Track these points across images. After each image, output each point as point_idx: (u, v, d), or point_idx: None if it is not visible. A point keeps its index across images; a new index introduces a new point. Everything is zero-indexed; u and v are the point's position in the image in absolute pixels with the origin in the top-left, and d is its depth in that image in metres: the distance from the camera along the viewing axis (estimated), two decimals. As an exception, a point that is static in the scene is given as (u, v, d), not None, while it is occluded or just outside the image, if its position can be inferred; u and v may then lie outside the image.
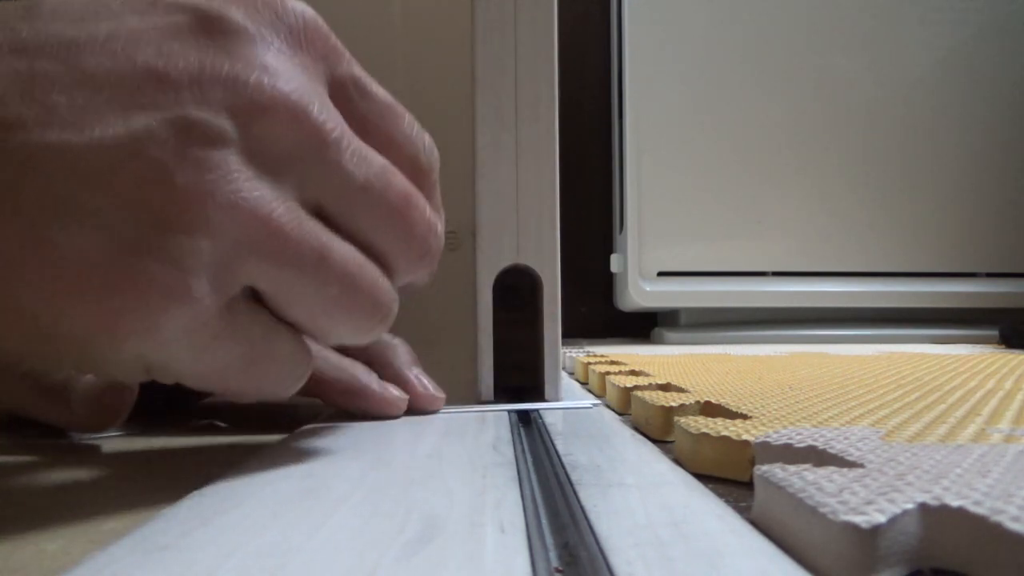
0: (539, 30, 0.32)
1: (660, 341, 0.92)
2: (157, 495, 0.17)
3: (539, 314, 0.32)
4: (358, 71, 0.20)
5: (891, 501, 0.13)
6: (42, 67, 0.16)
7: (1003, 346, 0.77)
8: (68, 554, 0.13)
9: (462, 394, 0.32)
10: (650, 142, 0.91)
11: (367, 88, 0.20)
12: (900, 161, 0.95)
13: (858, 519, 0.12)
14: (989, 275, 0.95)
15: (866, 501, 0.13)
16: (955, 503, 0.12)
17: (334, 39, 0.20)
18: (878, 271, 0.94)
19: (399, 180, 0.20)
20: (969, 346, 0.79)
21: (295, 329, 0.19)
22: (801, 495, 0.13)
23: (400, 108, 0.21)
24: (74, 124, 0.15)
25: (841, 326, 0.92)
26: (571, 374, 0.50)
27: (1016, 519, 0.11)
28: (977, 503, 0.12)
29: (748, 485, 0.17)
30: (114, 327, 0.16)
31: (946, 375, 0.40)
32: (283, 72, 0.18)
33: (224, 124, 0.17)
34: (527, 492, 0.17)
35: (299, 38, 0.19)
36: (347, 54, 0.20)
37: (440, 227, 0.21)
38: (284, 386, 0.20)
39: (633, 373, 0.40)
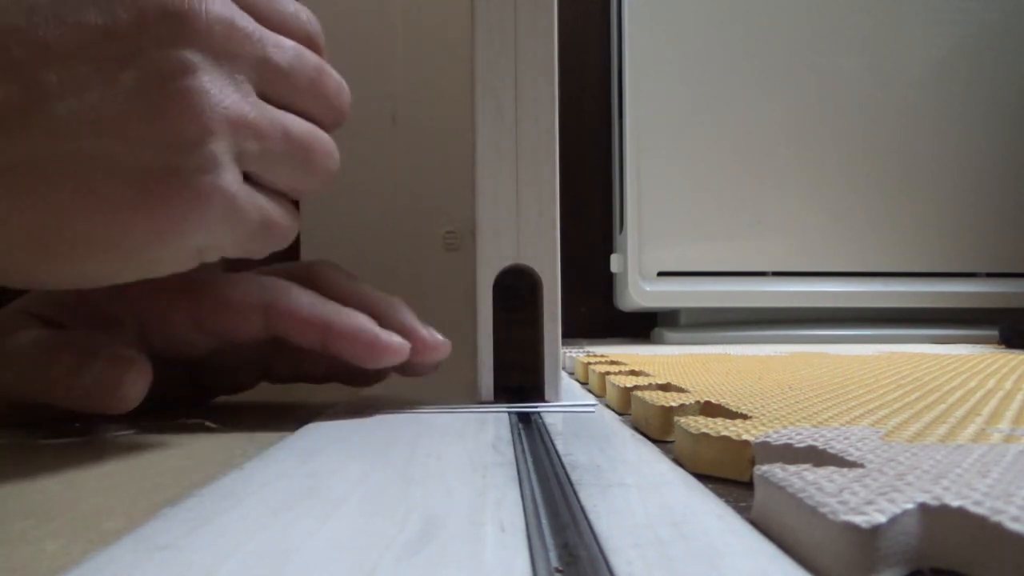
0: (539, 30, 0.32)
1: (660, 341, 0.92)
2: (157, 495, 0.17)
3: (539, 314, 0.32)
4: None
5: (891, 501, 0.13)
6: (18, 54, 0.19)
7: (1003, 346, 0.77)
8: (68, 554, 0.13)
9: (462, 394, 0.32)
10: (650, 142, 0.91)
11: None
12: (900, 161, 0.95)
13: (858, 519, 0.12)
14: (989, 275, 0.95)
15: (866, 501, 0.13)
16: (955, 503, 0.12)
17: None
18: (878, 271, 0.94)
19: (309, 55, 0.25)
20: (969, 346, 0.79)
21: (281, 194, 0.25)
22: (801, 495, 0.13)
23: None
24: (71, 93, 0.19)
25: (841, 326, 0.92)
26: (571, 374, 0.50)
27: (1016, 519, 0.11)
28: (977, 503, 0.12)
29: (748, 485, 0.17)
30: (178, 228, 0.21)
31: (946, 375, 0.40)
32: None
33: (185, 54, 0.21)
34: (527, 492, 0.17)
35: None
36: None
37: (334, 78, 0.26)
38: (285, 238, 0.26)
39: (633, 373, 0.40)
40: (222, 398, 0.35)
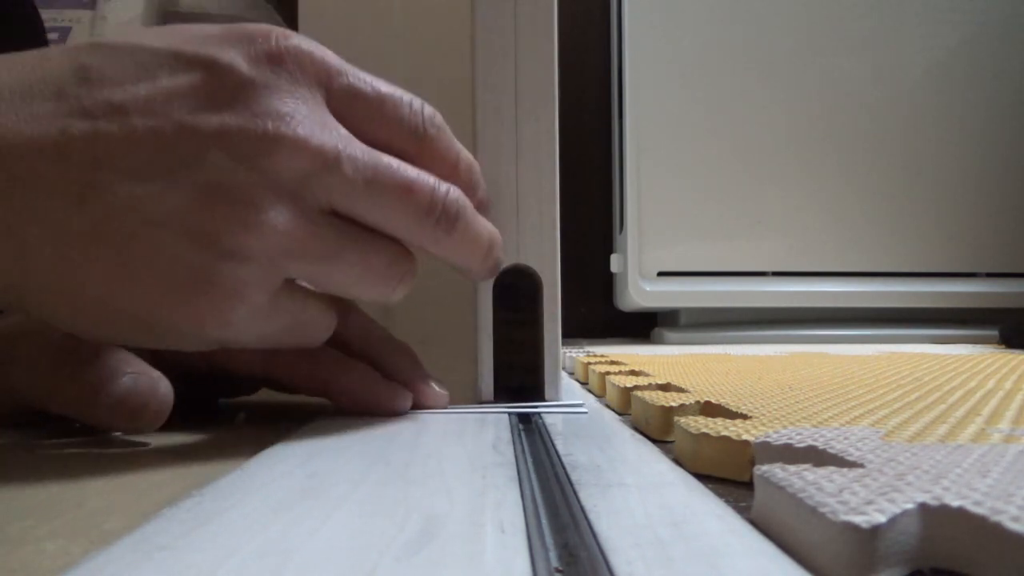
0: (539, 30, 0.32)
1: (660, 341, 0.92)
2: (157, 495, 0.17)
3: (539, 314, 0.32)
4: (350, 79, 0.24)
5: (891, 501, 0.13)
6: (104, 128, 0.20)
7: (1003, 346, 0.77)
8: (68, 554, 0.13)
9: (462, 394, 0.32)
10: (650, 142, 0.91)
11: (359, 92, 0.24)
12: (900, 161, 0.95)
13: (858, 519, 0.12)
14: (989, 275, 0.95)
15: (866, 501, 0.13)
16: (955, 503, 0.12)
17: (324, 59, 0.24)
18: (878, 271, 0.94)
19: (398, 172, 0.24)
20: (969, 346, 0.79)
21: (326, 297, 0.26)
22: (801, 495, 0.13)
23: (390, 95, 0.25)
24: (135, 174, 0.20)
25: (841, 326, 0.92)
26: (571, 374, 0.50)
27: (1016, 519, 0.11)
28: (977, 503, 0.12)
29: (748, 485, 0.17)
30: (201, 321, 0.22)
31: (946, 375, 0.40)
32: (286, 114, 0.22)
33: (242, 174, 0.21)
34: (527, 492, 0.17)
35: (294, 73, 0.23)
36: (337, 66, 0.24)
37: (454, 194, 0.25)
38: (315, 340, 0.26)
39: (633, 373, 0.40)
40: (227, 399, 0.35)
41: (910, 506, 0.12)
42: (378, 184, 0.23)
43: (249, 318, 0.22)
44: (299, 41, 0.23)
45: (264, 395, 0.35)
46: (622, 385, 0.33)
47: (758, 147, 0.93)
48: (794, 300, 0.92)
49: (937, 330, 0.91)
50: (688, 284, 0.91)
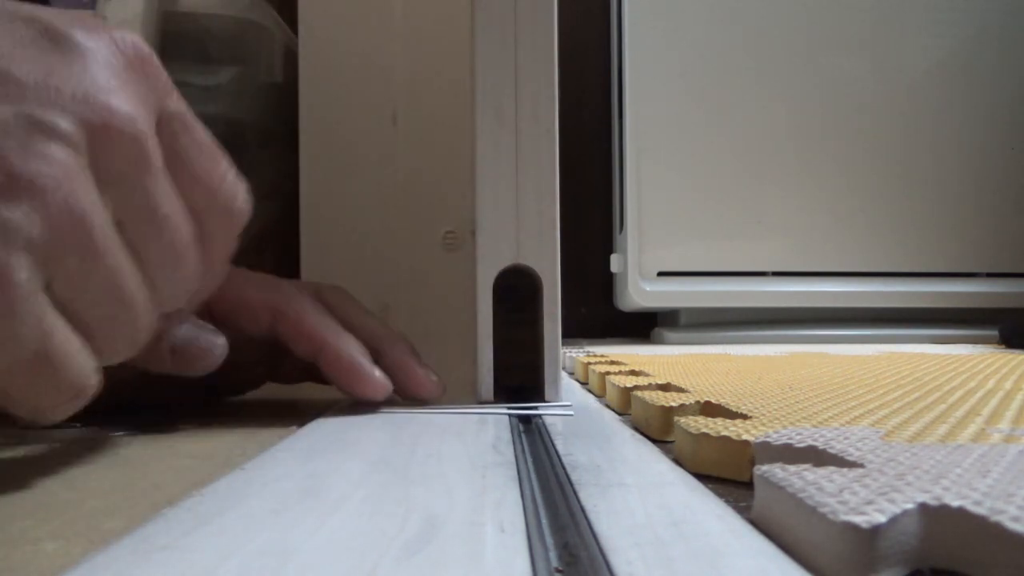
0: (539, 30, 0.32)
1: (660, 341, 0.92)
2: (157, 495, 0.17)
3: (539, 314, 0.32)
4: (185, 108, 0.22)
5: (891, 501, 0.13)
6: None
7: (1003, 346, 0.77)
8: (68, 554, 0.13)
9: (462, 394, 0.32)
10: (650, 142, 0.91)
11: (192, 126, 0.21)
12: (900, 161, 0.95)
13: (858, 519, 0.12)
14: (989, 275, 0.95)
15: (866, 501, 0.13)
16: (955, 503, 0.12)
17: (165, 74, 0.21)
18: (878, 271, 0.94)
19: (186, 230, 0.21)
20: (969, 346, 0.79)
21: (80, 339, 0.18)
22: (801, 495, 0.13)
23: (219, 152, 0.22)
24: None
25: (841, 326, 0.92)
26: (571, 374, 0.50)
27: (1016, 519, 0.11)
28: (977, 503, 0.12)
29: (748, 485, 0.17)
30: None
31: (946, 375, 0.40)
32: (125, 97, 0.19)
33: (70, 127, 0.17)
34: (527, 492, 0.17)
35: (135, 67, 0.20)
36: (176, 91, 0.21)
37: (202, 285, 0.22)
38: (76, 399, 0.18)
39: (633, 373, 0.40)
40: (229, 398, 0.35)
41: (910, 506, 0.12)
42: (169, 228, 0.20)
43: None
44: (142, 42, 0.21)
45: (265, 394, 0.35)
46: (622, 385, 0.33)
47: (758, 147, 0.93)
48: (794, 300, 0.92)
49: (937, 330, 0.91)
50: (688, 284, 0.91)
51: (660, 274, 0.92)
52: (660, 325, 0.99)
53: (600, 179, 1.03)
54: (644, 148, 0.91)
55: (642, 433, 0.26)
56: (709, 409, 0.27)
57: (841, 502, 0.13)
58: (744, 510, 0.16)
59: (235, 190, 0.22)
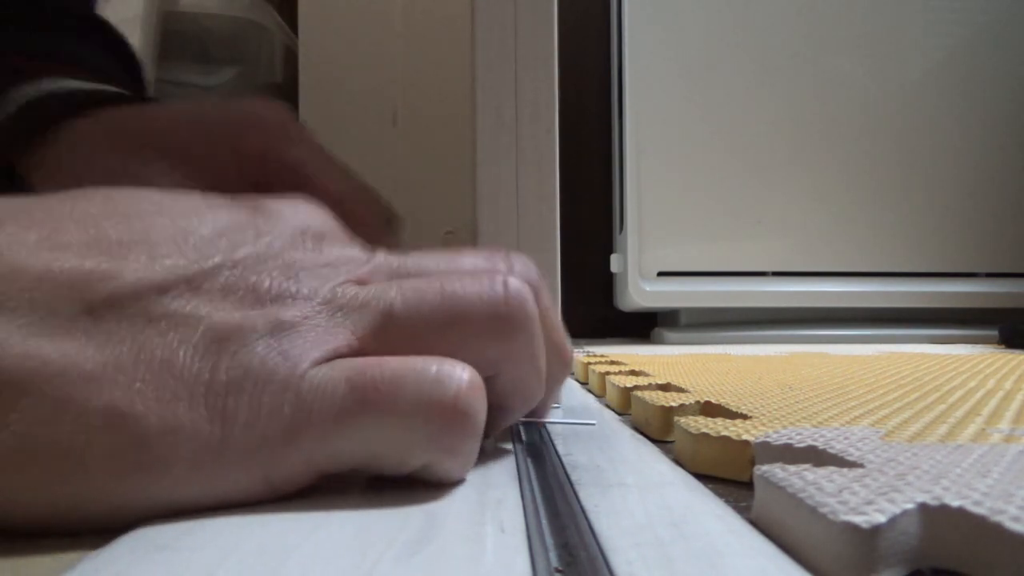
0: (539, 30, 0.32)
1: (660, 341, 0.92)
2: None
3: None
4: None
5: (891, 501, 0.13)
6: None
7: (1003, 346, 0.77)
8: (68, 554, 0.13)
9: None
10: (650, 142, 0.91)
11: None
12: (900, 161, 0.95)
13: (858, 519, 0.12)
14: (989, 275, 0.95)
15: (866, 501, 0.13)
16: (955, 503, 0.12)
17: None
18: (878, 271, 0.94)
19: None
20: (969, 346, 0.79)
21: None
22: (801, 495, 0.13)
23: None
24: None
25: (841, 326, 0.92)
26: (571, 374, 0.50)
27: (1016, 519, 0.11)
28: (977, 503, 0.12)
29: (748, 485, 0.17)
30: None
31: (946, 375, 0.40)
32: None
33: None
34: (527, 492, 0.17)
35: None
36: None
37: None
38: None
39: (633, 373, 0.40)
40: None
41: (910, 506, 0.12)
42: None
43: None
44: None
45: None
46: (622, 385, 0.33)
47: (758, 147, 0.93)
48: (794, 300, 0.92)
49: (937, 330, 0.91)
50: (688, 284, 0.91)
51: (660, 274, 0.92)
52: (660, 325, 0.99)
53: (600, 179, 1.03)
54: (644, 148, 0.91)
55: (642, 433, 0.26)
56: (709, 409, 0.27)
57: (841, 502, 0.13)
58: (744, 510, 0.16)
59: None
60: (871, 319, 0.95)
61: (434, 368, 0.16)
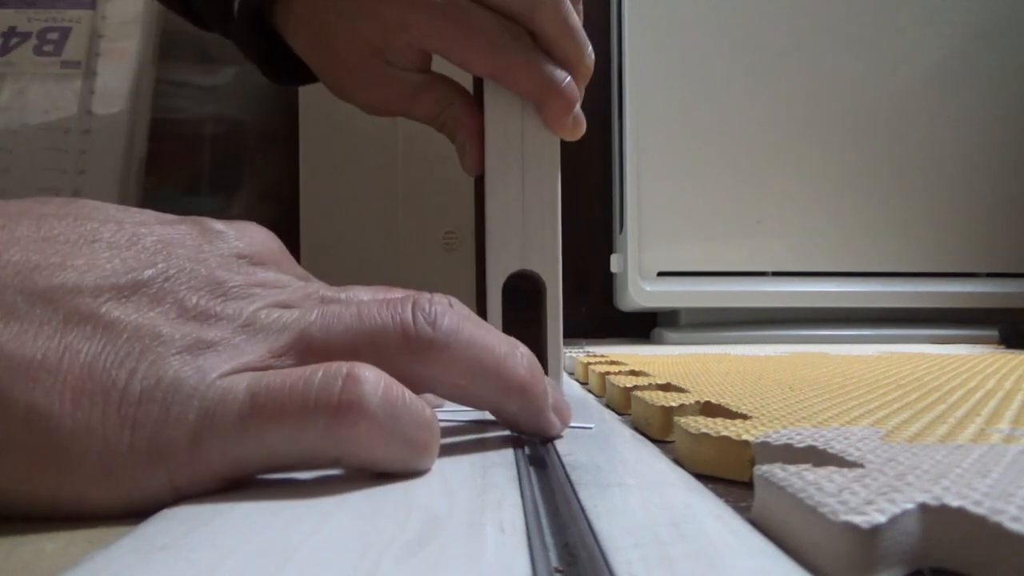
0: None
1: (660, 341, 0.92)
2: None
3: (543, 314, 0.35)
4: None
5: (891, 501, 0.13)
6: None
7: (1003, 346, 0.77)
8: (67, 554, 0.13)
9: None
10: (650, 142, 0.91)
11: None
12: (900, 161, 0.95)
13: (858, 519, 0.12)
14: (989, 275, 0.95)
15: (866, 501, 0.13)
16: (955, 503, 0.12)
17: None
18: (878, 271, 0.94)
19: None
20: (969, 346, 0.79)
21: None
22: (801, 495, 0.13)
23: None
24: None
25: (841, 326, 0.92)
26: (571, 374, 0.50)
27: (1016, 519, 0.11)
28: (977, 503, 0.12)
29: (748, 485, 0.17)
30: None
31: (946, 375, 0.40)
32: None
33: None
34: (527, 492, 0.17)
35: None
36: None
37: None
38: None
39: (633, 373, 0.40)
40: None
41: (910, 506, 0.12)
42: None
43: None
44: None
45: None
46: (622, 385, 0.33)
47: (758, 147, 0.93)
48: (794, 300, 0.92)
49: (937, 330, 0.91)
50: (688, 284, 0.91)
51: (660, 274, 0.92)
52: (660, 325, 0.99)
53: (600, 179, 1.03)
54: (644, 148, 0.91)
55: (642, 433, 0.26)
56: (709, 409, 0.27)
57: (841, 502, 0.13)
58: (744, 510, 0.16)
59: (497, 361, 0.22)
60: (871, 319, 0.95)
61: (324, 370, 0.17)
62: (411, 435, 0.18)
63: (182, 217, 0.21)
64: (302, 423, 0.16)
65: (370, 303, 0.20)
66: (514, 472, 0.19)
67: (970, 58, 0.95)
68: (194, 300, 0.18)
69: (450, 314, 0.20)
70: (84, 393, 0.15)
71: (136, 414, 0.16)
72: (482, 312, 0.33)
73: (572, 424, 0.27)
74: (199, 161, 0.63)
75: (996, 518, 0.12)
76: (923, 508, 0.12)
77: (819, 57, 0.93)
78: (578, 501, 0.16)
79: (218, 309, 0.18)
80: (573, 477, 0.18)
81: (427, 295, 0.21)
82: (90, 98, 0.61)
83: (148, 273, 0.18)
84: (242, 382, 0.17)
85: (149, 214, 0.20)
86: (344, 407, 0.16)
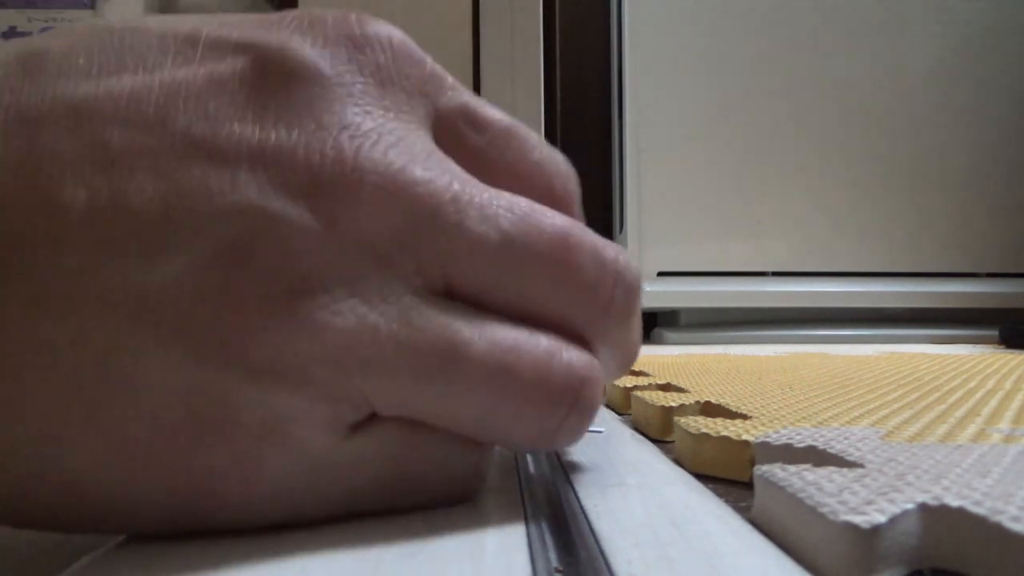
0: (530, 84, 0.34)
1: (660, 341, 0.92)
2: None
3: None
4: (466, 97, 0.16)
5: (891, 501, 0.13)
6: (47, 143, 0.12)
7: (1003, 346, 0.77)
8: (68, 554, 0.13)
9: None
10: (650, 141, 0.91)
11: (479, 115, 0.16)
12: (900, 161, 0.95)
13: (858, 519, 0.12)
14: (989, 275, 0.95)
15: (866, 501, 0.13)
16: (955, 503, 0.12)
17: (430, 62, 0.16)
18: (878, 271, 0.94)
19: (548, 220, 0.15)
20: (969, 346, 0.79)
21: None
22: (801, 495, 0.13)
23: (523, 130, 0.17)
24: (98, 241, 0.12)
25: (841, 326, 0.92)
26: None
27: (1016, 519, 0.11)
28: (977, 503, 0.12)
29: (748, 485, 0.17)
30: (212, 489, 0.13)
31: (946, 375, 0.40)
32: (370, 131, 0.14)
33: (301, 217, 0.13)
34: (527, 492, 0.17)
35: (388, 72, 0.15)
36: (448, 77, 0.16)
37: (623, 258, 0.16)
38: (451, 494, 0.15)
39: (633, 373, 0.40)
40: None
41: (910, 506, 0.12)
42: (520, 242, 0.14)
43: (298, 473, 0.13)
44: (391, 30, 0.15)
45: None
46: (622, 385, 0.33)
47: (758, 147, 0.93)
48: (794, 300, 0.92)
49: (937, 330, 0.91)
50: (688, 284, 0.91)
51: (660, 274, 0.92)
52: (660, 325, 0.99)
53: (600, 179, 1.03)
54: (644, 148, 0.91)
55: (642, 433, 0.26)
56: (709, 409, 0.27)
57: (841, 502, 0.13)
58: (744, 510, 0.16)
59: (551, 167, 0.17)
60: (871, 319, 0.95)
61: (567, 365, 0.14)
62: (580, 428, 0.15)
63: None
64: (544, 408, 0.14)
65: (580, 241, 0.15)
66: (514, 472, 0.19)
67: (970, 58, 0.95)
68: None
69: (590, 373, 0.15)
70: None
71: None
72: None
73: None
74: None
75: (996, 518, 0.12)
76: (923, 508, 0.12)
77: (820, 58, 0.93)
78: (578, 501, 0.16)
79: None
80: (573, 477, 0.18)
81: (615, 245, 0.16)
82: (90, 98, 0.61)
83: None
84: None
85: None
86: (577, 409, 0.14)
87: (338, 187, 0.13)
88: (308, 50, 0.14)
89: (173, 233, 0.12)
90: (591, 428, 0.27)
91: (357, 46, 0.14)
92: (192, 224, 0.12)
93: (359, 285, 0.13)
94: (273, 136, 0.13)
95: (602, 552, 0.13)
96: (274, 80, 0.13)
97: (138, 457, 0.12)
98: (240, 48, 0.14)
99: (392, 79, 0.15)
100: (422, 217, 0.13)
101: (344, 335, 0.13)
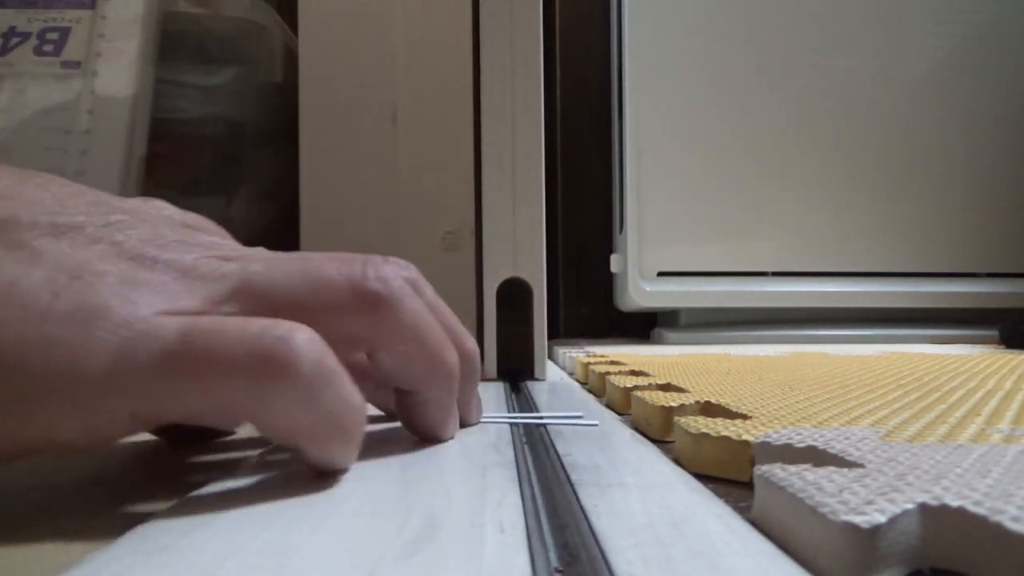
0: (529, 104, 0.41)
1: (660, 341, 0.92)
2: (157, 495, 0.17)
3: (531, 314, 0.42)
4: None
5: (891, 501, 0.13)
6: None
7: (1003, 346, 0.77)
8: (68, 554, 0.13)
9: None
10: (650, 142, 0.91)
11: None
12: (900, 161, 0.95)
13: (858, 519, 0.12)
14: (989, 275, 0.95)
15: (866, 501, 0.13)
16: (955, 503, 0.12)
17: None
18: (878, 271, 0.94)
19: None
20: (969, 346, 0.79)
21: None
22: (801, 495, 0.13)
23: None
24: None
25: (841, 326, 0.92)
26: (571, 374, 0.50)
27: (1016, 519, 0.11)
28: (977, 503, 0.12)
29: (748, 485, 0.17)
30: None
31: (946, 375, 0.40)
32: None
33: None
34: (527, 492, 0.17)
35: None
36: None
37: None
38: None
39: (633, 373, 0.40)
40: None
41: (910, 506, 0.12)
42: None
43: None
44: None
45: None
46: (622, 385, 0.33)
47: (758, 147, 0.93)
48: (794, 300, 0.92)
49: (937, 330, 0.91)
50: (688, 284, 0.91)
51: (660, 274, 0.92)
52: (660, 325, 0.99)
53: (600, 179, 1.03)
54: (644, 148, 0.91)
55: (642, 433, 0.26)
56: (709, 409, 0.27)
57: (841, 502, 0.13)
58: (744, 510, 0.16)
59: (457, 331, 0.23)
60: (871, 319, 0.95)
61: (260, 324, 0.16)
62: (336, 412, 0.16)
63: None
64: (228, 371, 0.15)
65: (319, 257, 0.19)
66: (514, 472, 0.19)
67: (970, 59, 0.95)
68: (132, 243, 0.17)
69: (404, 276, 0.19)
70: (10, 310, 0.15)
71: (56, 335, 0.15)
72: (481, 311, 0.34)
73: (576, 421, 0.27)
74: (199, 161, 0.63)
75: (996, 518, 0.12)
76: (923, 508, 0.12)
77: (820, 58, 0.93)
78: (578, 501, 0.16)
79: (156, 254, 0.17)
80: (573, 477, 0.18)
81: (381, 256, 0.20)
82: (90, 98, 0.61)
83: (81, 219, 0.17)
84: (175, 322, 0.16)
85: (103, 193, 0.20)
86: (273, 364, 0.15)
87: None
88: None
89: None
90: (586, 422, 0.27)
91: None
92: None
93: None
94: None
95: (602, 552, 0.13)
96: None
97: None
98: None
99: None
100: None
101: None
